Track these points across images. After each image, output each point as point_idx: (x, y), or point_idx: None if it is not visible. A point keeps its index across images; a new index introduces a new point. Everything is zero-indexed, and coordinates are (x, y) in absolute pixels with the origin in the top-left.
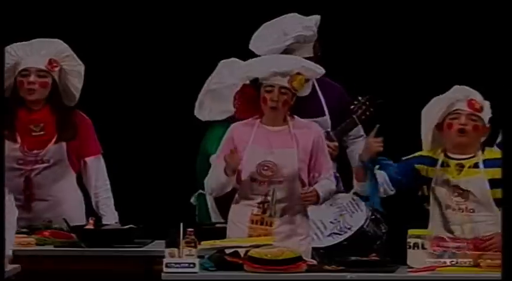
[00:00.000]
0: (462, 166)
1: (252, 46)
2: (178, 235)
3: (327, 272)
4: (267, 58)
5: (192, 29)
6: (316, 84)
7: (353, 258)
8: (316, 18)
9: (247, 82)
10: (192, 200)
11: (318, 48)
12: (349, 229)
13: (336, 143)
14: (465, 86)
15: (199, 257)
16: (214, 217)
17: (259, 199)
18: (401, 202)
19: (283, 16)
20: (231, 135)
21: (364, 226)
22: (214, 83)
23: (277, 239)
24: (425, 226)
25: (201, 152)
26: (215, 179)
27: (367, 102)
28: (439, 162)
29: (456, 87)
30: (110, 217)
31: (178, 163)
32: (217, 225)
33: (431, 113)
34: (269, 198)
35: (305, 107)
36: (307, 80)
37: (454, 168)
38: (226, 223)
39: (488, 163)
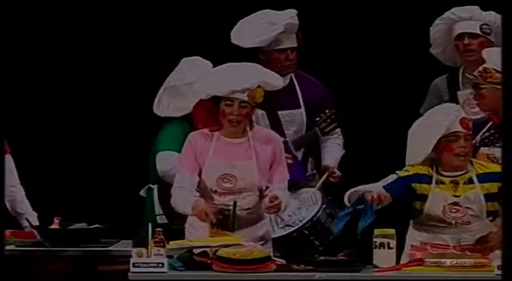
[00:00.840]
0: (457, 183)
1: (234, 40)
2: (146, 235)
3: (296, 271)
4: (226, 73)
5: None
6: (293, 77)
7: (322, 258)
8: (292, 11)
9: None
10: (142, 192)
11: (301, 39)
12: (300, 221)
13: (290, 155)
14: (453, 104)
15: (168, 257)
16: (158, 211)
17: (220, 207)
18: None
19: (256, 13)
20: (192, 144)
21: (314, 219)
22: (175, 80)
23: None
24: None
25: (154, 149)
26: (180, 198)
27: (332, 116)
28: (434, 180)
29: (447, 105)
30: (30, 214)
31: (134, 160)
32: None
33: (427, 135)
34: (230, 208)
35: (281, 99)
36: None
37: (449, 185)
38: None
39: (481, 178)
